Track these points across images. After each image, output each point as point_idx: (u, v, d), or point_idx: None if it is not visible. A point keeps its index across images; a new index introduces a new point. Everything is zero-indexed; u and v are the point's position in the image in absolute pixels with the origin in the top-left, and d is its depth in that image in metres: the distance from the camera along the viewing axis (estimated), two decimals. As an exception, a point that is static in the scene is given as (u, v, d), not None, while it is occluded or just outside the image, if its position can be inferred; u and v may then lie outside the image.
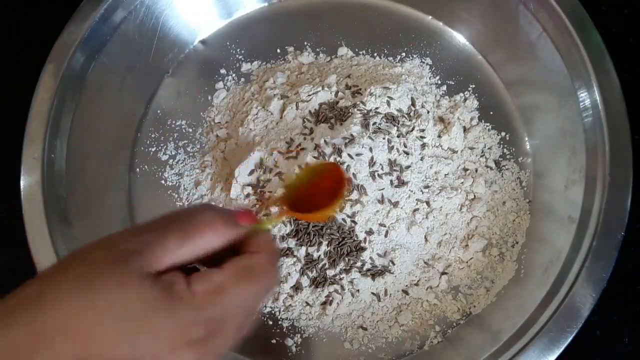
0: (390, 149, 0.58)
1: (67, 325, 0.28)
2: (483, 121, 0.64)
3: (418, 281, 0.58)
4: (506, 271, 0.59)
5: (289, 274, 0.56)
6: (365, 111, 0.59)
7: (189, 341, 0.29)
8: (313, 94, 0.61)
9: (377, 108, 0.59)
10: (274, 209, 0.55)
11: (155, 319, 0.29)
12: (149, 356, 0.29)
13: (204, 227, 0.32)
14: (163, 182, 0.64)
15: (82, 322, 0.28)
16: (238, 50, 0.69)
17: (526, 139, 0.64)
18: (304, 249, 0.56)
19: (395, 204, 0.57)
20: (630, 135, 0.53)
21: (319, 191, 0.49)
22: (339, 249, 0.56)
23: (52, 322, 0.28)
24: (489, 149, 0.63)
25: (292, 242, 0.57)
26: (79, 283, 0.29)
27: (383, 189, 0.57)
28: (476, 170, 0.62)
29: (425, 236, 0.58)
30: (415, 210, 0.58)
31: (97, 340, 0.28)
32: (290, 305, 0.57)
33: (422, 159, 0.60)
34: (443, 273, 0.58)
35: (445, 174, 0.61)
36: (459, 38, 0.68)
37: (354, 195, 0.56)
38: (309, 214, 0.43)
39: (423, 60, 0.67)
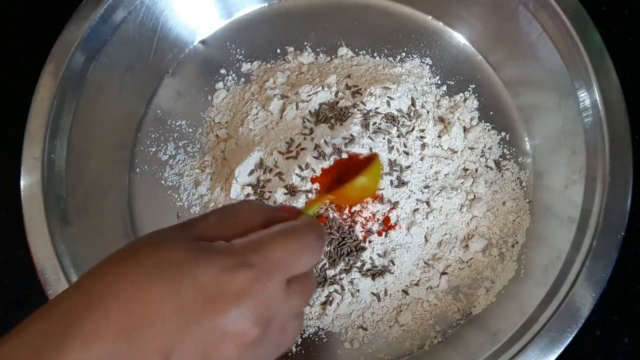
0: (390, 149, 0.58)
1: (115, 286, 0.29)
2: (483, 121, 0.64)
3: (418, 281, 0.58)
4: (506, 271, 0.59)
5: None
6: (365, 111, 0.59)
7: (231, 291, 0.29)
8: (313, 94, 0.61)
9: (377, 108, 0.59)
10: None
11: (195, 266, 0.29)
12: (194, 306, 0.28)
13: (242, 206, 0.35)
14: (163, 182, 0.64)
15: (130, 282, 0.29)
16: (238, 50, 0.69)
17: (526, 139, 0.64)
18: (304, 249, 0.56)
19: (395, 204, 0.57)
20: (630, 135, 0.53)
21: (351, 170, 0.50)
22: (339, 249, 0.56)
23: (101, 286, 0.29)
24: (489, 149, 0.63)
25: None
26: (126, 255, 0.31)
27: (383, 189, 0.57)
28: (476, 170, 0.62)
29: (425, 236, 0.59)
30: (415, 210, 0.58)
31: (143, 295, 0.28)
32: (290, 305, 0.57)
33: (422, 159, 0.60)
34: (443, 273, 0.58)
35: (445, 174, 0.61)
36: (459, 38, 0.68)
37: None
38: (347, 189, 0.44)
39: (423, 60, 0.67)
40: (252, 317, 0.30)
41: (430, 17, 0.68)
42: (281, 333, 0.33)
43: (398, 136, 0.59)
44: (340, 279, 0.57)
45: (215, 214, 0.34)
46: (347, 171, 0.54)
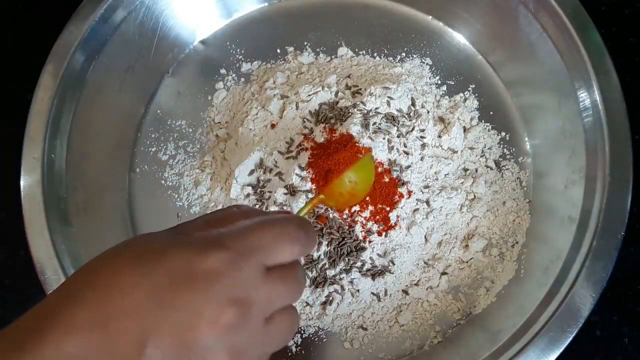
0: (390, 149, 0.58)
1: (96, 277, 0.29)
2: (483, 121, 0.64)
3: (418, 281, 0.58)
4: (506, 271, 0.59)
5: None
6: (365, 111, 0.59)
7: (203, 272, 0.29)
8: (313, 94, 0.61)
9: (377, 108, 0.59)
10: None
11: (168, 252, 0.30)
12: (166, 290, 0.28)
13: (231, 209, 0.35)
14: (163, 182, 0.64)
15: (109, 272, 0.29)
16: (238, 50, 0.69)
17: (526, 139, 0.64)
18: (304, 249, 0.56)
19: (395, 204, 0.57)
20: (630, 135, 0.53)
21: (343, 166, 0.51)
22: (339, 249, 0.56)
23: (82, 278, 0.30)
24: (489, 149, 0.63)
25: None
26: (108, 251, 0.31)
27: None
28: (476, 170, 0.62)
29: (425, 236, 0.58)
30: (415, 210, 0.58)
31: (119, 284, 0.28)
32: (290, 305, 0.57)
33: (422, 159, 0.60)
34: (443, 273, 0.58)
35: (445, 174, 0.61)
36: (459, 38, 0.68)
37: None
38: (335, 185, 0.44)
39: (423, 60, 0.67)
40: (225, 297, 0.29)
41: (430, 17, 0.68)
42: (268, 325, 0.31)
43: (398, 136, 0.59)
44: (340, 279, 0.57)
45: (203, 216, 0.34)
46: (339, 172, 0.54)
